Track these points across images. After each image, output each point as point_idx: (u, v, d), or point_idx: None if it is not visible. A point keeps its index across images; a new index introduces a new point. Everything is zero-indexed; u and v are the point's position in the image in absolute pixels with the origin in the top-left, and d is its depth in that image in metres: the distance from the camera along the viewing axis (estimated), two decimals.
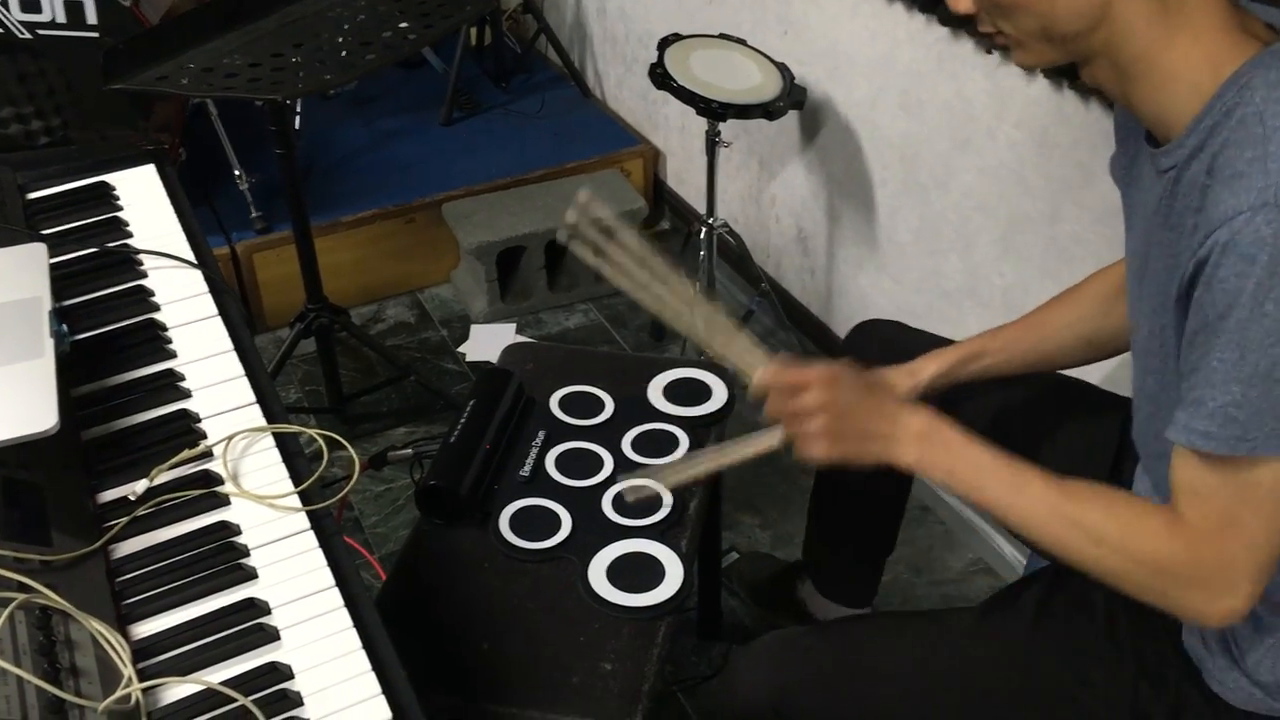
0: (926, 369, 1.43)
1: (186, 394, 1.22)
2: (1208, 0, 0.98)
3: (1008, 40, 1.06)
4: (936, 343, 1.53)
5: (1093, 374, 1.51)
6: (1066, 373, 1.48)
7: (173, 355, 1.26)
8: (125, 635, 0.96)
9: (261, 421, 1.18)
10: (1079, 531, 1.07)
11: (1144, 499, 1.14)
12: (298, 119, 2.90)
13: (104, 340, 1.28)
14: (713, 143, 2.28)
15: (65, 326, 1.21)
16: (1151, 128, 1.06)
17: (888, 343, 1.57)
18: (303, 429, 1.19)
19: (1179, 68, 0.99)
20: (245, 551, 1.06)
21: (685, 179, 3.00)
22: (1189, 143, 0.99)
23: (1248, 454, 0.95)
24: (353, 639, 0.98)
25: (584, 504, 1.49)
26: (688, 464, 1.36)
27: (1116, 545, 1.06)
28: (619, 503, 1.48)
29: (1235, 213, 0.91)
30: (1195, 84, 0.98)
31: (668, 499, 1.49)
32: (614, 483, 1.51)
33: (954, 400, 1.46)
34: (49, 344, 1.09)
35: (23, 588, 0.93)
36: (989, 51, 1.86)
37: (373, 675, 0.95)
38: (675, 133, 2.96)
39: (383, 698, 0.93)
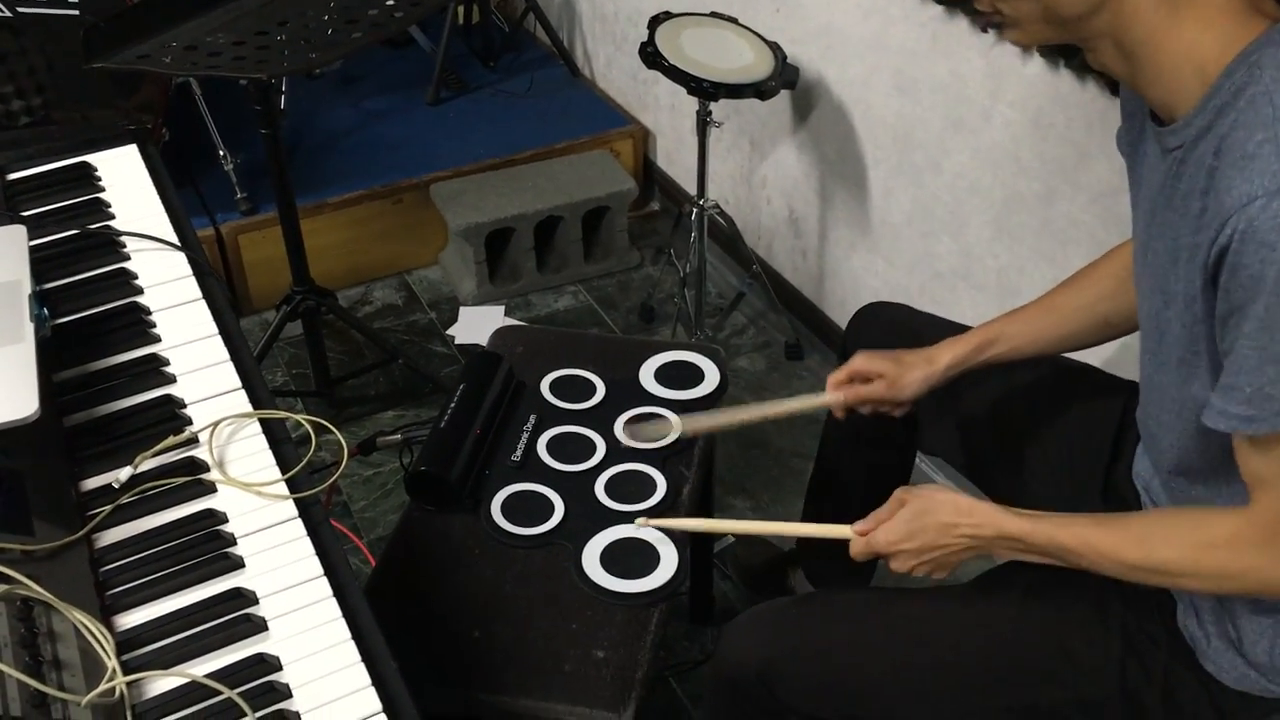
0: (943, 356, 1.41)
1: (171, 379, 1.20)
2: None
3: (1003, 20, 1.05)
4: (940, 325, 1.51)
5: (1093, 356, 1.49)
6: (1068, 355, 1.46)
7: (156, 339, 1.24)
8: (109, 626, 0.94)
9: (247, 407, 1.17)
10: (1140, 572, 1.09)
11: (1205, 510, 1.11)
12: (283, 98, 2.86)
13: (86, 324, 1.26)
14: (704, 123, 2.26)
15: (46, 310, 1.18)
16: (1158, 109, 1.04)
17: (892, 327, 1.55)
18: (290, 414, 1.17)
19: (1186, 50, 0.97)
20: (232, 540, 1.04)
21: (675, 159, 2.97)
22: (1196, 122, 0.97)
23: None
24: (342, 629, 0.96)
25: (577, 489, 1.47)
26: (714, 415, 1.54)
27: (1187, 570, 1.06)
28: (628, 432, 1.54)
29: (1250, 199, 0.90)
30: (1202, 66, 0.96)
31: (676, 431, 1.54)
32: (607, 467, 1.50)
33: (955, 385, 1.44)
34: (29, 328, 1.07)
35: (4, 578, 0.92)
36: (984, 30, 1.84)
37: (362, 666, 0.94)
38: (665, 112, 2.93)
39: (373, 689, 0.92)
